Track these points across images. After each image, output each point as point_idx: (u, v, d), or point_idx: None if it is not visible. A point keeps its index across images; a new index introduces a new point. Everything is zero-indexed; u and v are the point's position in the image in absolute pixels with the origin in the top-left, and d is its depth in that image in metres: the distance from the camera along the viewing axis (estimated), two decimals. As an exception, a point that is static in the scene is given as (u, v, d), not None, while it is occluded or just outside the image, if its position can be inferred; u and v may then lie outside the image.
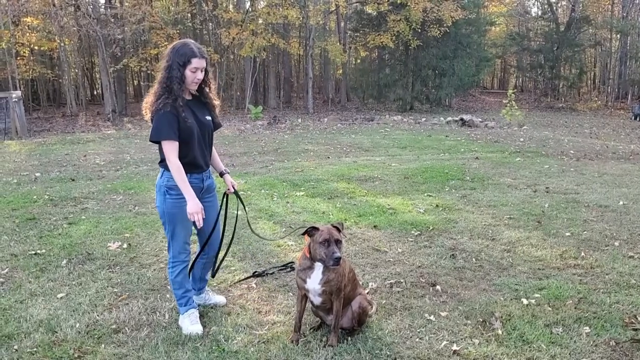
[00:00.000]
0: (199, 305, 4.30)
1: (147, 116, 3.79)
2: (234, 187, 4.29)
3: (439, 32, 29.79)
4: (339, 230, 3.69)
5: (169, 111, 3.65)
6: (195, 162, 3.87)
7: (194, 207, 3.69)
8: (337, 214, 7.35)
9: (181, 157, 3.72)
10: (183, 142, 3.74)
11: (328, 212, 7.48)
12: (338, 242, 3.60)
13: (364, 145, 15.48)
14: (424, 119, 25.12)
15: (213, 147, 4.17)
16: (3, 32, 24.59)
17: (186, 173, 3.72)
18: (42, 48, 28.93)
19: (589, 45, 39.43)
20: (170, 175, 3.76)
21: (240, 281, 4.93)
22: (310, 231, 3.68)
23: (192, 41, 3.84)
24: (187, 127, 3.73)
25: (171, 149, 3.68)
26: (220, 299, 4.47)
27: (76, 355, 3.64)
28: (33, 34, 26.63)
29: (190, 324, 3.98)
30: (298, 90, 41.26)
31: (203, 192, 4.01)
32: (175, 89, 3.67)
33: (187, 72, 3.72)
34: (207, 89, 3.98)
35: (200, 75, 3.78)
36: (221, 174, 4.26)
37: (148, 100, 3.78)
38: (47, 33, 27.83)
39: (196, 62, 3.71)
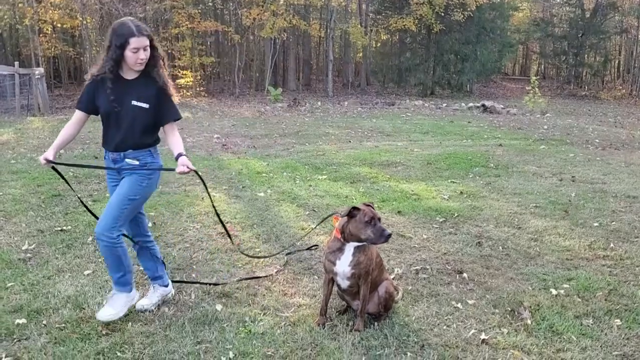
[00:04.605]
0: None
1: None
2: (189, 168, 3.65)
3: (462, 16, 29.42)
4: (373, 208, 3.69)
5: (89, 84, 3.69)
6: (105, 141, 3.83)
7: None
8: (360, 198, 7.31)
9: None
10: (101, 118, 3.77)
11: (351, 196, 7.44)
12: (379, 219, 3.59)
13: (385, 129, 15.38)
14: (445, 105, 24.89)
15: (173, 131, 3.81)
16: (26, 9, 24.73)
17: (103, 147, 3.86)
18: (64, 25, 29.03)
19: (614, 33, 38.62)
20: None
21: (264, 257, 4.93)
22: (352, 212, 3.61)
23: (132, 19, 3.65)
24: (100, 106, 3.70)
25: (74, 115, 3.80)
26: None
27: (104, 332, 3.66)
28: (55, 12, 26.73)
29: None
30: (317, 73, 41.04)
31: (120, 172, 3.84)
32: (107, 70, 3.58)
33: (128, 53, 3.53)
34: (156, 69, 3.71)
35: (143, 55, 3.57)
36: (176, 158, 3.73)
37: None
38: (70, 10, 27.87)
39: (135, 42, 3.50)
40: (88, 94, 3.70)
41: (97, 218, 3.87)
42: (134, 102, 3.66)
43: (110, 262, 3.76)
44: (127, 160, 3.78)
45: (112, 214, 3.66)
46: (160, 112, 3.76)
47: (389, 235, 3.54)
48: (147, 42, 3.57)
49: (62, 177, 4.18)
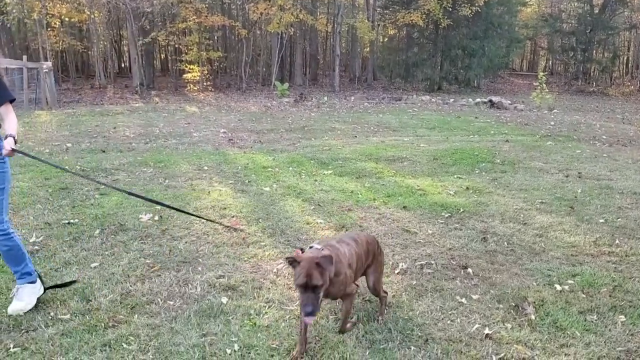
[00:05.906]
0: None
1: None
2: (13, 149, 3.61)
3: (470, 11, 29.32)
4: (322, 266, 3.01)
5: None
6: None
7: None
8: (366, 193, 7.32)
9: None
10: None
11: (356, 191, 7.45)
12: (316, 288, 2.97)
13: (392, 125, 15.36)
14: (452, 100, 24.81)
15: (8, 113, 3.73)
16: (35, 3, 24.79)
17: None
18: (72, 19, 29.10)
19: (623, 29, 38.34)
20: None
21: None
22: (292, 262, 3.09)
23: None
24: None
25: None
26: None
27: (110, 324, 3.70)
28: (63, 5, 26.80)
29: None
30: (324, 68, 40.95)
31: None
32: None
33: None
34: None
35: None
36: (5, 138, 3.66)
37: None
38: (77, 4, 27.94)
39: None
40: None
41: None
42: None
43: (10, 256, 3.81)
44: None
45: None
46: None
47: (307, 314, 2.97)
48: None
49: None
